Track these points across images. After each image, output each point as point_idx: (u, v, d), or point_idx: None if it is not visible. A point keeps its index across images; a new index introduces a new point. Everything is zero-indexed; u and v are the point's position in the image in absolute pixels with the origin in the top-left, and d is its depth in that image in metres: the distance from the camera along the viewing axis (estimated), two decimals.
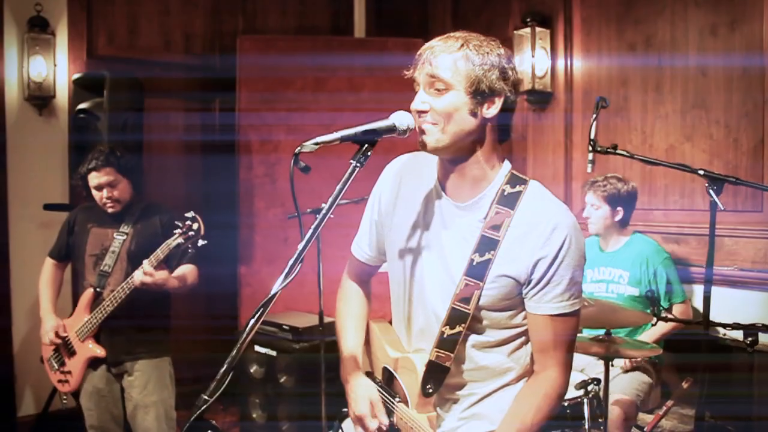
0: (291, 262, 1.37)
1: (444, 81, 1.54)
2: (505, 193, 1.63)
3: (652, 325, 2.77)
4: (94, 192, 3.10)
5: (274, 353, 4.00)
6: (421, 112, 1.58)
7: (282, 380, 3.97)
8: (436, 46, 1.57)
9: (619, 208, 3.32)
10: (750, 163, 3.45)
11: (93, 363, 3.10)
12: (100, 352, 3.06)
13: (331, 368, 3.52)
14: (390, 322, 1.92)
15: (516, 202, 1.61)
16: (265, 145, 4.61)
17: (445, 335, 1.66)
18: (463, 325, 1.64)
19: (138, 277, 2.88)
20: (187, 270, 3.13)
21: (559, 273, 1.58)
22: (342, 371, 1.89)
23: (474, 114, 1.56)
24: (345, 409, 3.36)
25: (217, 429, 1.26)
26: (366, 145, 1.49)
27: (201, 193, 4.77)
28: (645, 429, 2.96)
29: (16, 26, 4.14)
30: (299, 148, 1.42)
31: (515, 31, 4.24)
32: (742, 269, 3.39)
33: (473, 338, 1.69)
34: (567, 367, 1.67)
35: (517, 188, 1.63)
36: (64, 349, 3.12)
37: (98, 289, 3.07)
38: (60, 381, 3.16)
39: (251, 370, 4.12)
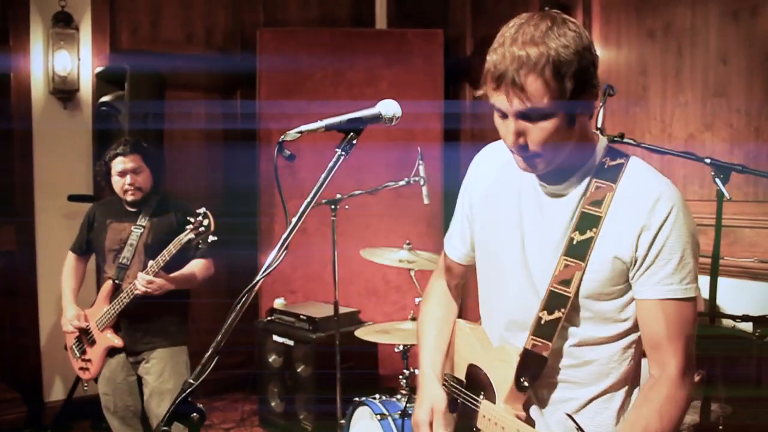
0: (275, 250, 1.37)
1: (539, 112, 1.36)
2: (605, 166, 1.49)
3: None
4: (115, 179, 3.14)
5: (291, 343, 4.05)
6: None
7: (299, 369, 4.02)
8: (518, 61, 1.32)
9: None
10: None
11: (111, 352, 3.17)
12: (117, 342, 3.13)
13: (346, 359, 3.55)
14: (471, 320, 1.80)
15: (618, 174, 1.47)
16: None
17: (542, 321, 1.49)
18: (562, 309, 1.47)
19: (139, 285, 2.96)
20: (194, 268, 3.17)
21: (666, 249, 1.40)
22: (419, 376, 1.77)
23: (571, 123, 1.41)
24: (357, 398, 3.39)
25: (202, 412, 1.26)
26: (351, 134, 1.45)
27: (222, 185, 4.84)
28: None
29: (41, 22, 4.24)
30: (283, 136, 1.41)
31: None
32: (763, 260, 3.31)
33: (572, 331, 1.51)
34: (688, 364, 1.43)
35: (618, 161, 1.49)
36: (85, 338, 3.20)
37: (117, 281, 3.14)
38: (81, 368, 3.25)
39: (270, 360, 4.18)
